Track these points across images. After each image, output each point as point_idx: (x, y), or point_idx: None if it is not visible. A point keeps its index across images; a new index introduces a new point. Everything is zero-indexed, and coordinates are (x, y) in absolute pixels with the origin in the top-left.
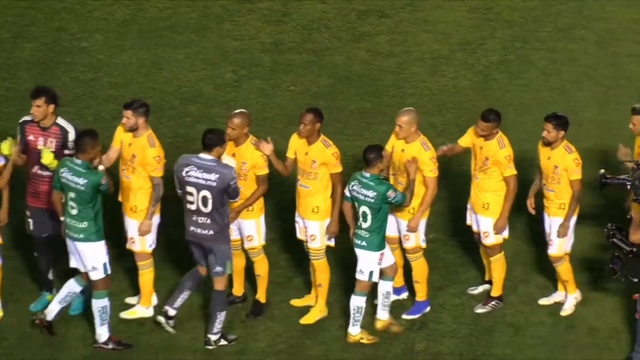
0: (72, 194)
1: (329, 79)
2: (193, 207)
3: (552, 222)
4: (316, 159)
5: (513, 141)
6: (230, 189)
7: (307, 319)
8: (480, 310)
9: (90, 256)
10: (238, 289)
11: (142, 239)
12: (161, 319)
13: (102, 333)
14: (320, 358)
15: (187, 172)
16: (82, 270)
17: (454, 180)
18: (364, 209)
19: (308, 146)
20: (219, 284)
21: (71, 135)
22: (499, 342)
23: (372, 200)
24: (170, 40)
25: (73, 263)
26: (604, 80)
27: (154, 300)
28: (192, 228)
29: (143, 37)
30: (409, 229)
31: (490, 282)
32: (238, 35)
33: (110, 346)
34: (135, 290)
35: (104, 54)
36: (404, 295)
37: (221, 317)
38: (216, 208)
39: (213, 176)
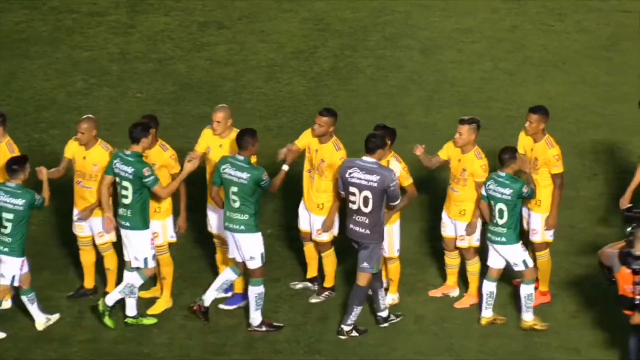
0: (234, 188)
1: (173, 86)
2: (355, 206)
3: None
4: (155, 161)
5: (343, 143)
6: (389, 190)
7: (154, 310)
8: (314, 300)
9: (249, 246)
10: (89, 282)
11: None
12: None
13: (256, 317)
14: (165, 345)
15: (350, 173)
16: (239, 260)
17: (288, 179)
18: (500, 206)
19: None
20: (362, 280)
21: None
22: (332, 330)
23: (509, 198)
24: (25, 51)
25: (231, 254)
26: (429, 86)
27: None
28: (351, 226)
29: None
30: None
31: (311, 280)
32: (88, 46)
33: (264, 329)
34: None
35: None
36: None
37: (357, 310)
38: (376, 208)
39: (374, 177)
